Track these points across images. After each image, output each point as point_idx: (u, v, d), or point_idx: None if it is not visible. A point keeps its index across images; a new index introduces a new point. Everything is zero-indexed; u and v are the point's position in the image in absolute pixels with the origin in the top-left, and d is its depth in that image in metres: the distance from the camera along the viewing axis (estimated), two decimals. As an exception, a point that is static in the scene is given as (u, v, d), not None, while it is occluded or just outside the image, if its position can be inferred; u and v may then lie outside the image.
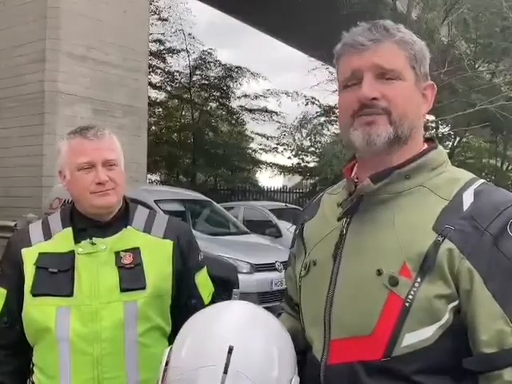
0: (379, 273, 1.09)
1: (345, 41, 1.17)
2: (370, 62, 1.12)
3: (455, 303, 1.06)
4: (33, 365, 1.63)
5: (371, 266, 1.11)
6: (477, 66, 14.26)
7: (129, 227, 1.65)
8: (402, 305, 1.07)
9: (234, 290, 5.40)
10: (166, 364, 1.15)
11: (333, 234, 1.21)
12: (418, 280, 1.06)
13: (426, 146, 1.21)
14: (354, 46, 1.14)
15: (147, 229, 1.66)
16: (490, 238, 1.04)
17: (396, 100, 1.12)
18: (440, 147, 1.21)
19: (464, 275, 1.04)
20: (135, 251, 1.60)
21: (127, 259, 1.59)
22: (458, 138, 16.36)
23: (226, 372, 1.06)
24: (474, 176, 1.18)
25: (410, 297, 1.06)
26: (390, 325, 1.07)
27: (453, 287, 1.05)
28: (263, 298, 7.29)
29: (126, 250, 1.60)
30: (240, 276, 6.40)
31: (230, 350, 1.07)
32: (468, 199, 1.09)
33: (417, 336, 1.06)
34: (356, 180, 1.23)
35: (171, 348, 1.17)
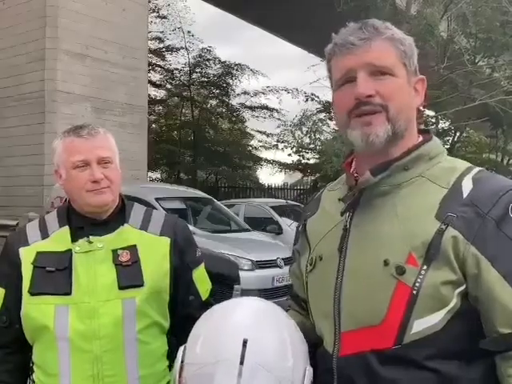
0: (386, 263, 1.12)
1: (335, 41, 1.20)
2: (363, 60, 1.15)
3: (462, 288, 1.08)
4: (33, 363, 1.64)
5: (377, 257, 1.13)
6: (476, 60, 14.24)
7: (126, 225, 1.65)
8: (410, 292, 1.09)
9: (235, 286, 5.42)
10: (182, 362, 1.17)
11: (337, 229, 1.24)
12: (424, 268, 1.09)
13: (421, 138, 1.23)
14: (346, 45, 1.17)
15: (144, 226, 1.67)
16: (492, 223, 1.07)
17: (391, 96, 1.15)
18: (435, 138, 1.24)
19: (470, 260, 1.07)
20: (132, 249, 1.61)
21: (124, 257, 1.59)
22: (458, 133, 16.34)
23: (242, 364, 1.09)
24: (471, 165, 1.20)
25: (417, 284, 1.09)
26: (400, 313, 1.10)
27: (459, 273, 1.08)
28: (265, 294, 7.30)
29: (123, 248, 1.60)
30: (241, 273, 6.42)
31: (245, 342, 1.10)
32: (467, 186, 1.12)
33: (426, 322, 1.09)
34: (356, 174, 1.25)
35: (185, 346, 1.20)
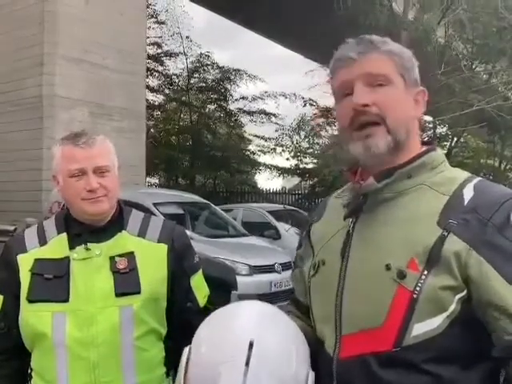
0: (388, 268, 1.14)
1: (335, 57, 1.25)
2: (359, 71, 1.19)
3: (463, 294, 1.10)
4: (31, 369, 1.64)
5: (379, 261, 1.16)
6: (474, 66, 14.27)
7: (123, 232, 1.66)
8: (410, 296, 1.11)
9: (232, 292, 5.40)
10: (187, 362, 1.18)
11: (340, 234, 1.26)
12: (425, 273, 1.11)
13: (424, 148, 1.26)
14: (343, 59, 1.21)
15: (142, 233, 1.67)
16: (493, 228, 1.09)
17: (388, 106, 1.18)
18: (438, 149, 1.27)
19: (473, 266, 1.08)
20: (130, 256, 1.61)
21: (122, 264, 1.59)
22: (455, 139, 16.36)
23: (247, 365, 1.10)
24: (472, 174, 1.23)
25: (418, 288, 1.11)
26: (400, 316, 1.12)
27: (459, 279, 1.09)
28: (263, 299, 7.26)
29: (120, 255, 1.61)
30: (239, 278, 6.40)
31: (251, 344, 1.12)
32: (468, 194, 1.15)
33: (425, 326, 1.11)
34: (362, 182, 1.28)
35: (190, 347, 1.21)
